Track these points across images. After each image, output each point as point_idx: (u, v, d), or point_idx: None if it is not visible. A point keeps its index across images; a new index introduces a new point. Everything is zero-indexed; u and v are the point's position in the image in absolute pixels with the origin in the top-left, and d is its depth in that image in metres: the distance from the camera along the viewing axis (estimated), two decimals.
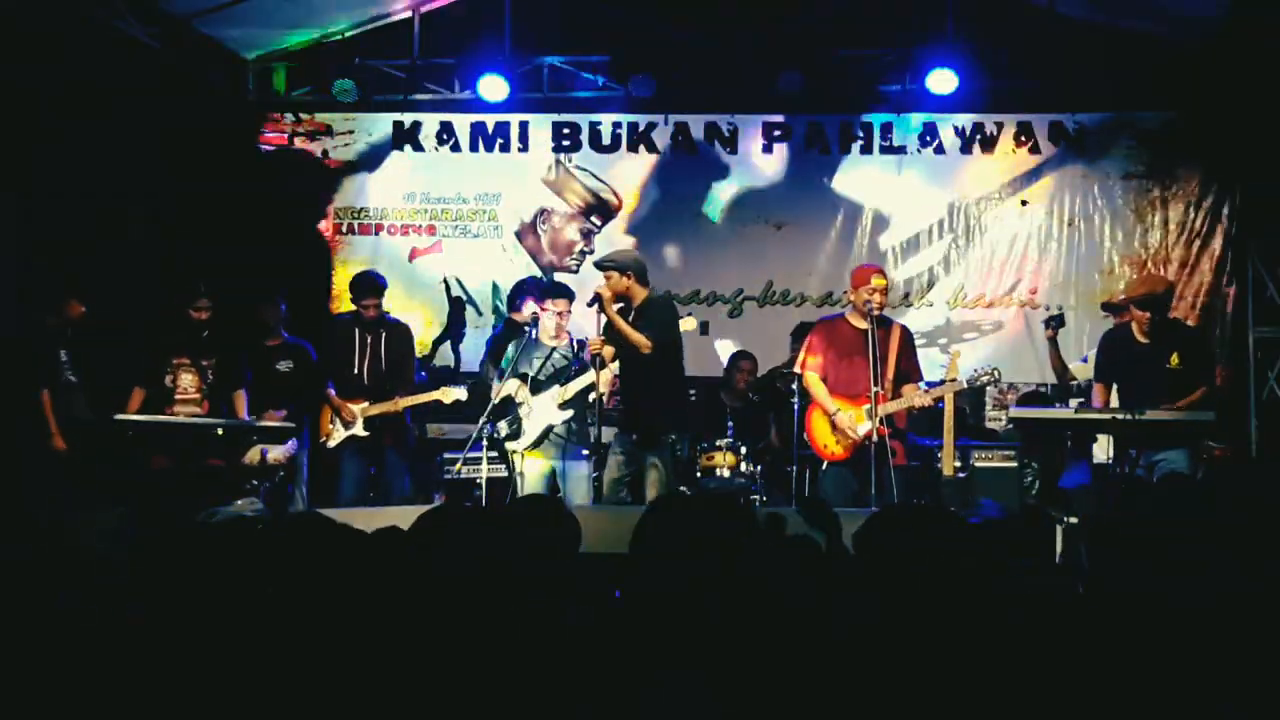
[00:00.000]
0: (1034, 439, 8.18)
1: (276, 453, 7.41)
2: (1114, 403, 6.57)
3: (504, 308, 9.63)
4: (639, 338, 6.41)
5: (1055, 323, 7.96)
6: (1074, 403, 7.64)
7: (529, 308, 7.45)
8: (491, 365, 7.51)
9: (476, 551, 2.65)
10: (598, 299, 6.47)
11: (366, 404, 7.39)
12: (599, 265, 6.80)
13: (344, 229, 9.92)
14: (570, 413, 6.87)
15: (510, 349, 7.19)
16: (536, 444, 6.91)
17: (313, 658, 2.29)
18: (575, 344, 7.04)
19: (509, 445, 7.02)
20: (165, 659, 2.32)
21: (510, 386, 6.96)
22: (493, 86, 9.09)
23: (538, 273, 9.65)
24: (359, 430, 7.39)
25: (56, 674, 2.28)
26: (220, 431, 7.00)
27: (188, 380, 7.37)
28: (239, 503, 6.36)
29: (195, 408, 7.31)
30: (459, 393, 7.37)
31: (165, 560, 2.81)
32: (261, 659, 2.30)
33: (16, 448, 6.77)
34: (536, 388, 6.93)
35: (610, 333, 6.54)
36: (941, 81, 8.72)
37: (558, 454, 6.93)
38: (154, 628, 2.42)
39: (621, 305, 6.55)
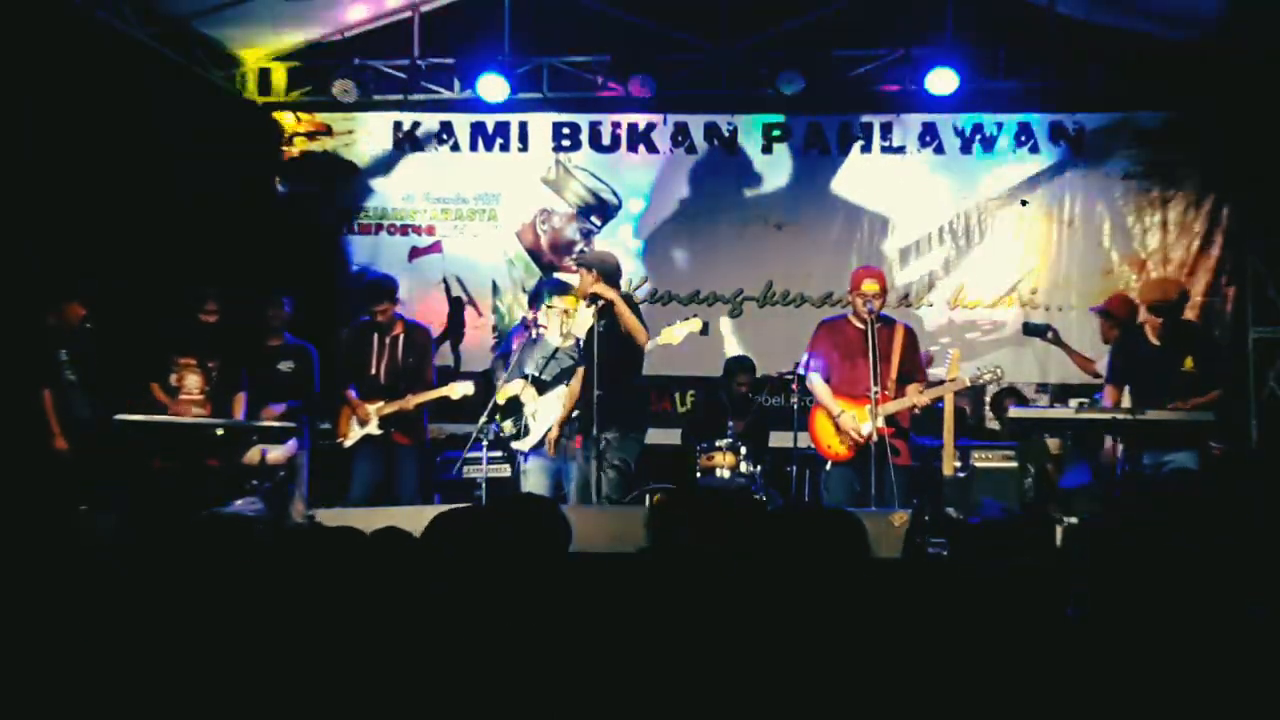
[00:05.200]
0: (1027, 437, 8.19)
1: (276, 453, 7.41)
2: (1126, 404, 6.57)
3: (503, 307, 9.64)
4: (637, 330, 6.48)
5: (1035, 330, 8.02)
6: (1074, 403, 7.65)
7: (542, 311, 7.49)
8: (501, 364, 7.53)
9: (467, 552, 2.66)
10: (596, 298, 6.48)
11: (382, 404, 7.40)
12: (578, 262, 6.94)
13: (344, 229, 9.92)
14: (575, 413, 6.85)
15: (514, 348, 7.20)
16: (541, 443, 6.90)
17: (310, 657, 2.30)
18: (580, 345, 7.03)
19: (514, 445, 7.01)
20: (165, 659, 2.32)
21: (515, 386, 6.96)
22: (492, 86, 9.08)
23: (538, 273, 9.66)
24: (373, 429, 7.40)
25: (57, 674, 2.28)
26: (220, 431, 7.01)
27: (192, 381, 7.41)
28: (239, 503, 6.37)
29: (199, 408, 7.36)
30: (466, 388, 7.38)
31: (165, 560, 2.81)
32: (261, 658, 2.30)
33: (17, 448, 6.77)
34: (541, 387, 6.93)
35: (606, 334, 6.55)
36: (941, 81, 8.71)
37: (561, 454, 6.92)
38: (154, 627, 2.42)
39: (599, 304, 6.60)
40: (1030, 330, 8.15)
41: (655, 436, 8.09)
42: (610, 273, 6.67)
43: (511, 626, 2.36)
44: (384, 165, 9.92)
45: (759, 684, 2.18)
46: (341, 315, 9.27)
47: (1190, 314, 8.73)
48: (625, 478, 6.50)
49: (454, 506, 2.81)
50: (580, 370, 6.71)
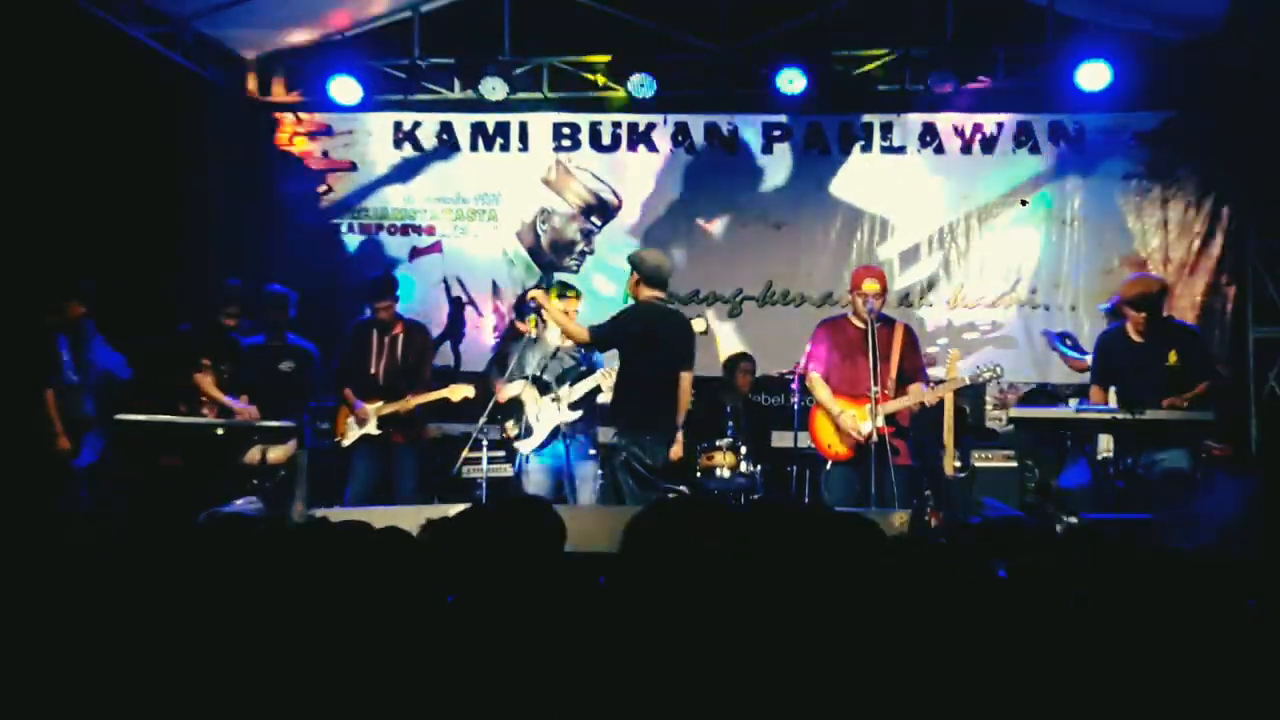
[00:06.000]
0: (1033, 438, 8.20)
1: (276, 453, 7.41)
2: (1113, 403, 6.57)
3: (504, 307, 9.65)
4: (573, 329, 6.55)
5: (1053, 338, 8.08)
6: (1073, 402, 7.65)
7: (532, 319, 7.51)
8: (496, 368, 7.53)
9: (463, 552, 2.66)
10: (534, 303, 6.73)
11: (381, 403, 7.41)
12: (629, 257, 6.97)
13: (344, 229, 9.92)
14: (579, 413, 6.85)
15: (512, 350, 7.20)
16: (545, 444, 6.89)
17: (310, 658, 2.30)
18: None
19: (518, 446, 7.00)
20: (165, 659, 2.32)
21: (516, 387, 6.96)
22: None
23: (538, 273, 9.66)
24: (371, 429, 7.40)
25: (56, 674, 2.28)
26: (220, 431, 7.01)
27: (206, 381, 7.44)
28: (239, 503, 6.37)
29: (206, 409, 7.37)
30: (467, 390, 7.37)
31: (165, 560, 2.81)
32: (261, 658, 2.31)
33: (19, 448, 6.77)
34: (543, 388, 6.92)
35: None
36: (941, 81, 8.71)
37: (564, 454, 6.91)
38: (154, 628, 2.42)
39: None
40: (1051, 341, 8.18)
41: None
42: (650, 273, 6.57)
43: (505, 626, 2.36)
44: (384, 165, 9.92)
45: (756, 683, 2.18)
46: (341, 315, 9.29)
47: (1190, 314, 8.77)
48: (641, 479, 6.31)
49: (449, 508, 2.82)
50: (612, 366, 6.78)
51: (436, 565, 2.65)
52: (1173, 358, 6.43)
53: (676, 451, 6.64)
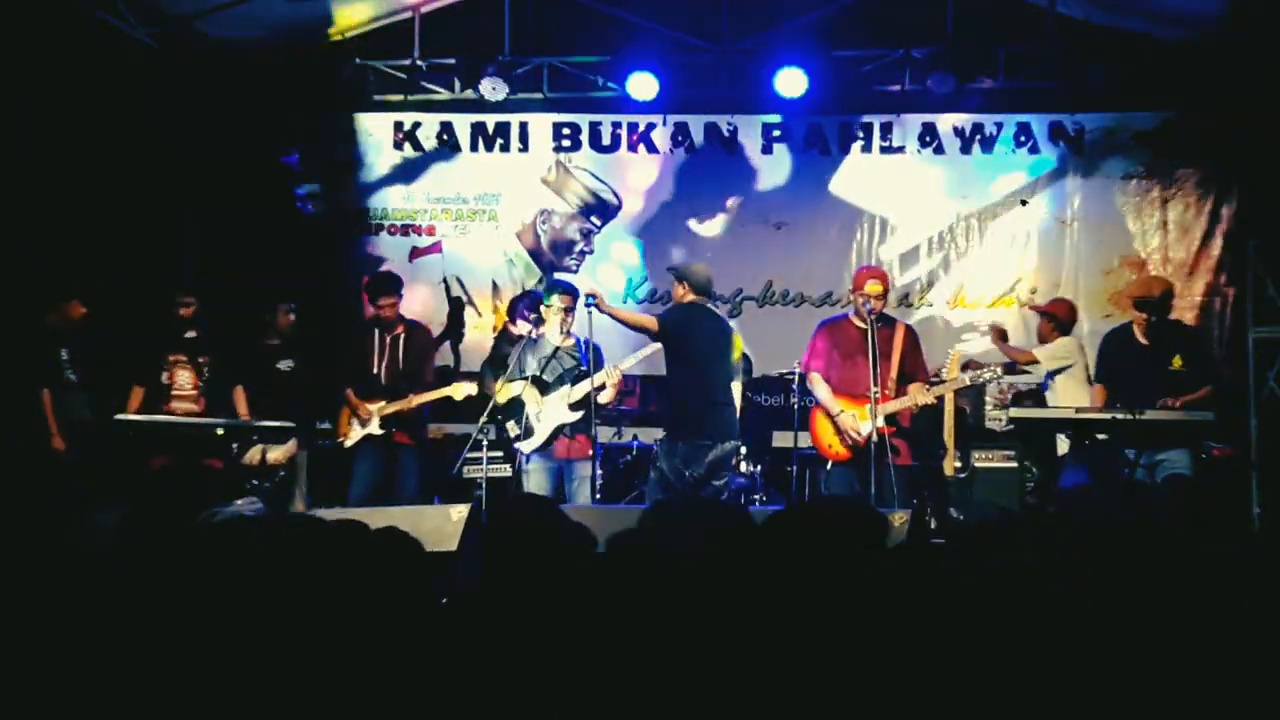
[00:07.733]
0: (1031, 438, 8.20)
1: (276, 453, 7.41)
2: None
3: (503, 307, 9.65)
4: (641, 319, 6.58)
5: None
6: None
7: (523, 324, 7.52)
8: (489, 369, 7.52)
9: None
10: (593, 299, 6.52)
11: (383, 403, 7.40)
12: (669, 269, 7.24)
13: (344, 229, 9.91)
14: (581, 413, 6.85)
15: (510, 352, 7.19)
16: (547, 444, 6.88)
17: (311, 657, 2.30)
18: (582, 344, 7.03)
19: (519, 446, 6.99)
20: (165, 659, 2.32)
21: (517, 388, 6.95)
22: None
23: (538, 274, 9.66)
24: (374, 429, 7.39)
25: (56, 674, 2.28)
26: (220, 431, 7.01)
27: (184, 377, 7.41)
28: (239, 503, 6.37)
29: (192, 404, 7.35)
30: (470, 388, 7.36)
31: (165, 560, 2.82)
32: (261, 658, 2.31)
33: (16, 447, 6.78)
34: (544, 388, 6.91)
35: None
36: (941, 81, 8.71)
37: (563, 454, 6.91)
38: (154, 628, 2.42)
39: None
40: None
41: (653, 436, 8.11)
42: (701, 284, 6.70)
43: (538, 628, 2.36)
44: (384, 165, 9.91)
45: (758, 688, 2.18)
46: (342, 315, 9.29)
47: (1190, 314, 8.77)
48: (666, 484, 6.35)
49: (450, 509, 2.82)
50: (630, 358, 6.81)
51: (433, 565, 2.66)
52: (1177, 362, 6.43)
53: None
